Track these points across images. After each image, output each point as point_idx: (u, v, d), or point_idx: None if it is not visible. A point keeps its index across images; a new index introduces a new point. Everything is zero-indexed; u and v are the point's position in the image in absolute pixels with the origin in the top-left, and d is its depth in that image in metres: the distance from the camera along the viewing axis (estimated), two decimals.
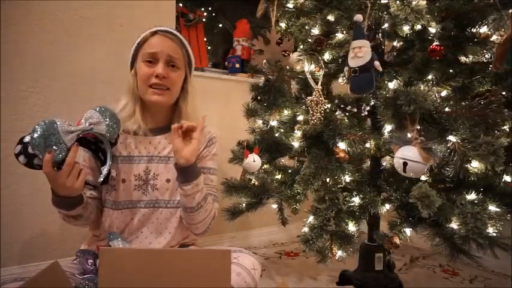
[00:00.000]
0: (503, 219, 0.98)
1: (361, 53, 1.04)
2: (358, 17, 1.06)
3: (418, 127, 0.99)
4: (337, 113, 1.38)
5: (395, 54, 1.33)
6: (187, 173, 0.92)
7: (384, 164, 1.31)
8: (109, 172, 0.90)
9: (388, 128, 1.15)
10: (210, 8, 2.52)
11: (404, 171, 0.96)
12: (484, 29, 1.11)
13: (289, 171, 1.44)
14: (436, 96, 1.12)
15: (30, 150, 0.74)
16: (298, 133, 1.34)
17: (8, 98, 1.49)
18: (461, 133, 0.94)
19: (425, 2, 1.04)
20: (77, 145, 0.79)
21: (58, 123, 0.76)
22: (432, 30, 1.13)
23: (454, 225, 0.99)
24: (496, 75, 1.09)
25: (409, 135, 0.99)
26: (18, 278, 0.77)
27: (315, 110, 1.19)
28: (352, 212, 1.18)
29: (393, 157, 1.02)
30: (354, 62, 1.06)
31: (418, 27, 1.15)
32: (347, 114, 1.39)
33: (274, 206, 1.52)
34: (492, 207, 1.01)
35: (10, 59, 1.49)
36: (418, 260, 1.98)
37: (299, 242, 1.17)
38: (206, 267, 0.62)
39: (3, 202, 1.49)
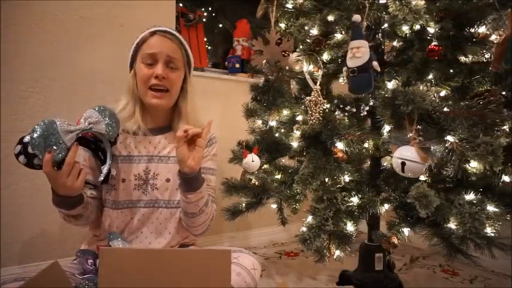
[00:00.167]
0: (502, 219, 0.98)
1: (359, 53, 1.04)
2: (356, 18, 1.06)
3: (417, 127, 0.98)
4: (336, 113, 1.38)
5: (395, 54, 1.33)
6: (192, 181, 0.92)
7: (383, 164, 1.31)
8: (109, 171, 0.90)
9: (387, 128, 1.15)
10: (210, 8, 2.52)
11: (403, 171, 0.96)
12: (482, 29, 1.10)
13: (289, 171, 1.44)
14: (434, 96, 1.12)
15: (30, 150, 0.74)
16: (297, 133, 1.34)
17: (8, 98, 1.49)
18: (459, 133, 0.94)
19: (423, 2, 1.03)
20: (76, 145, 0.79)
21: (57, 123, 0.77)
22: (431, 30, 1.13)
23: (452, 225, 0.99)
24: (495, 75, 1.08)
25: (407, 135, 0.99)
26: (18, 278, 0.77)
27: (314, 110, 1.19)
28: (350, 212, 1.18)
29: (392, 157, 1.02)
30: (352, 62, 1.06)
31: (417, 27, 1.15)
32: (346, 114, 1.39)
33: (274, 206, 1.53)
34: (491, 207, 1.01)
35: (10, 59, 1.49)
36: (418, 260, 1.98)
37: (297, 242, 1.17)
38: (206, 267, 0.62)
39: (3, 202, 1.49)
